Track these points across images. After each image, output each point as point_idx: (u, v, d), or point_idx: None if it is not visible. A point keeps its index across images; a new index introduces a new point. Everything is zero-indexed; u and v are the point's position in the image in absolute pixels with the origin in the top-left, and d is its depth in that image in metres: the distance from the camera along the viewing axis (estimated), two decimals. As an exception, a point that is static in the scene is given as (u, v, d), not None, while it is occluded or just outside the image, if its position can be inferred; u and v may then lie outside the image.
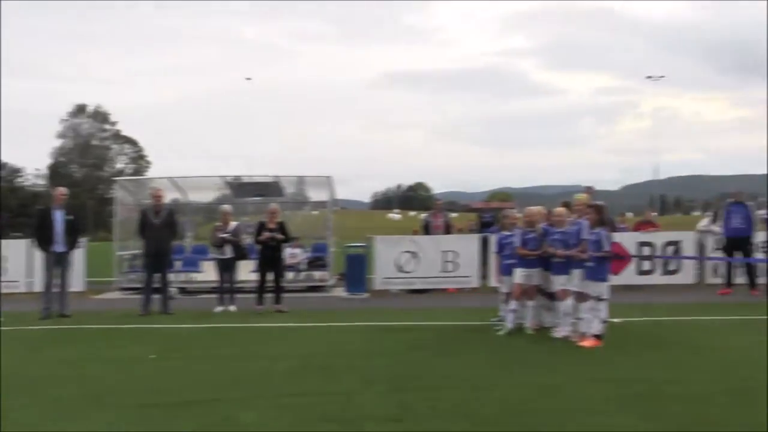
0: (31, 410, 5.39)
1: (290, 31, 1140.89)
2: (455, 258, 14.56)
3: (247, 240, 12.80)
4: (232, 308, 11.84)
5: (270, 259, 11.83)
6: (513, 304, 8.94)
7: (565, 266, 8.50)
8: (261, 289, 11.75)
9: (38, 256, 11.71)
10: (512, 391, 5.84)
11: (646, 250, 14.43)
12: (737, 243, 13.26)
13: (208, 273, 14.37)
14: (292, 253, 14.97)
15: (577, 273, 8.31)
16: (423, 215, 25.12)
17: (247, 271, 13.30)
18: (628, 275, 14.16)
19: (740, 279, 13.48)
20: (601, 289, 8.12)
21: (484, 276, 14.49)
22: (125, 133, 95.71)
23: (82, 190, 72.88)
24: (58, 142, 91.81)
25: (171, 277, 12.46)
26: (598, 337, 7.94)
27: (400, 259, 14.59)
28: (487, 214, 18.40)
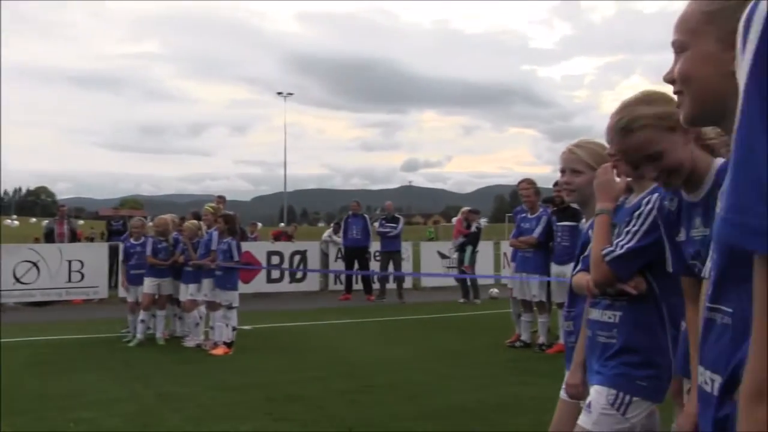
0: None
1: None
2: (81, 267, 13.49)
3: None
4: None
5: None
6: (142, 315, 8.59)
7: (195, 275, 8.44)
8: None
9: None
10: (134, 404, 5.62)
11: (276, 259, 15.06)
12: (355, 253, 14.54)
13: None
14: None
15: (207, 282, 8.31)
16: (45, 222, 22.86)
17: None
18: (259, 283, 14.58)
19: (358, 286, 14.79)
20: (231, 297, 8.21)
21: (114, 286, 13.69)
22: None
23: None
24: None
25: None
26: (228, 344, 8.01)
27: (18, 270, 13.03)
28: (116, 221, 17.49)
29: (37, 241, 16.33)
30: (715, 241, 1.25)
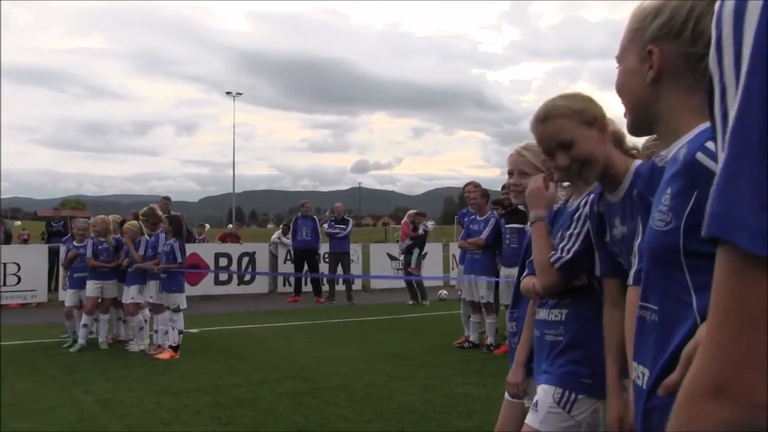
0: None
1: None
2: (18, 270, 13.07)
3: None
4: None
5: None
6: (85, 319, 8.35)
7: (138, 277, 8.27)
8: None
9: None
10: (75, 411, 5.47)
11: (224, 261, 14.88)
12: (305, 254, 14.45)
13: None
14: None
15: (152, 284, 8.15)
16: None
17: None
18: (206, 285, 14.38)
19: (307, 288, 14.71)
20: (178, 300, 8.07)
21: (54, 289, 13.31)
22: None
23: None
24: None
25: None
26: (174, 348, 7.86)
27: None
28: (57, 222, 16.99)
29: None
30: (647, 241, 1.29)
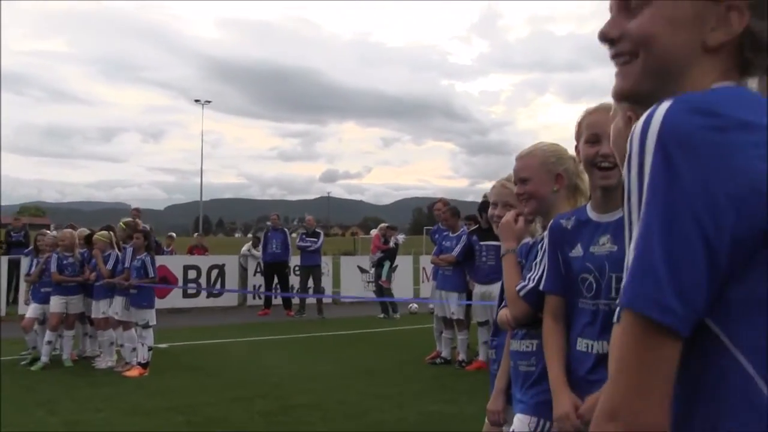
0: None
1: None
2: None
3: None
4: None
5: None
6: (48, 335, 8.13)
7: (107, 291, 8.11)
8: None
9: None
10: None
11: (193, 273, 14.69)
12: (275, 267, 14.35)
13: None
14: None
15: (120, 300, 7.99)
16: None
17: None
18: (174, 299, 14.17)
19: (277, 301, 14.60)
20: (148, 316, 7.94)
21: (13, 302, 12.97)
22: None
23: None
24: None
25: None
26: (144, 365, 7.72)
27: None
28: (17, 232, 16.35)
29: None
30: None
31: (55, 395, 6.64)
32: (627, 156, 0.86)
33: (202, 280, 14.82)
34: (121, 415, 5.88)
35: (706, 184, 0.80)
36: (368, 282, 17.20)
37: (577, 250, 2.19)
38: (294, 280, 15.03)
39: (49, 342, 8.10)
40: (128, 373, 7.58)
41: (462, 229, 8.71)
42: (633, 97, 1.04)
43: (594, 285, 2.12)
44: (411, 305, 15.11)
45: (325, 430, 5.45)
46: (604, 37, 1.05)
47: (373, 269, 14.73)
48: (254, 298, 15.21)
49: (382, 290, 14.16)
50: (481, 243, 8.26)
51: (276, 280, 14.39)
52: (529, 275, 2.43)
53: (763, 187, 0.80)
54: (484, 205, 8.43)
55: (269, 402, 6.40)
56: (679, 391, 0.87)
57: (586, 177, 2.38)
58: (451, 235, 8.72)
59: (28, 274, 8.87)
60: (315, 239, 14.40)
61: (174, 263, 14.53)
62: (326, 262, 16.22)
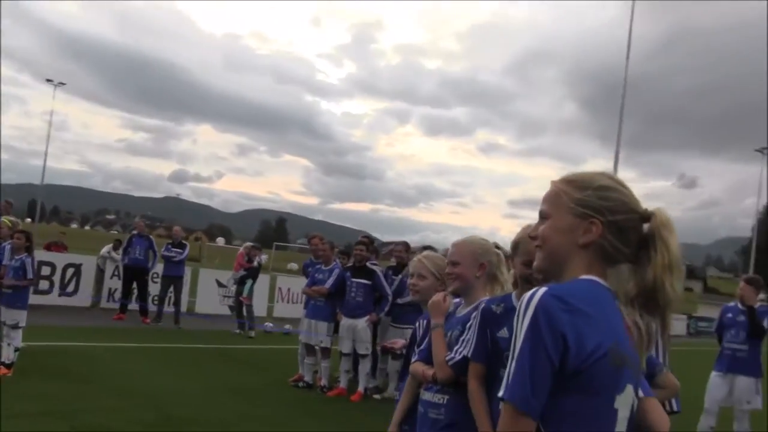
0: None
1: None
2: None
3: None
4: None
5: None
6: None
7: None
8: None
9: None
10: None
11: (47, 270, 14.32)
12: (136, 273, 14.32)
13: None
14: None
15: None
16: None
17: None
18: (24, 294, 13.72)
19: (134, 306, 14.53)
20: (19, 317, 7.95)
21: None
22: None
23: None
24: None
25: None
26: (8, 365, 7.72)
27: None
28: None
29: None
30: None
31: None
32: (516, 312, 1.57)
33: (56, 278, 14.49)
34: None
35: (550, 335, 1.50)
36: (225, 296, 17.47)
37: (504, 332, 2.85)
38: (153, 288, 15.01)
39: None
40: (-5, 374, 7.55)
41: (335, 263, 9.39)
42: (541, 272, 1.74)
43: None
44: (266, 324, 15.56)
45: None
46: (532, 234, 1.82)
47: (235, 286, 15.08)
48: (108, 300, 15.05)
49: (242, 307, 14.54)
50: (353, 279, 9.00)
51: (135, 285, 14.40)
52: (456, 348, 3.12)
53: (568, 346, 1.50)
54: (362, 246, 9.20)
55: (148, 413, 6.70)
56: None
57: (505, 270, 3.15)
58: (324, 268, 9.36)
59: None
60: (180, 250, 14.55)
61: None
62: (185, 272, 16.26)
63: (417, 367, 3.35)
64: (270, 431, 6.70)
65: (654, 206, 1.68)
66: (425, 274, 3.64)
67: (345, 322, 9.01)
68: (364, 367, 8.99)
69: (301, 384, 9.23)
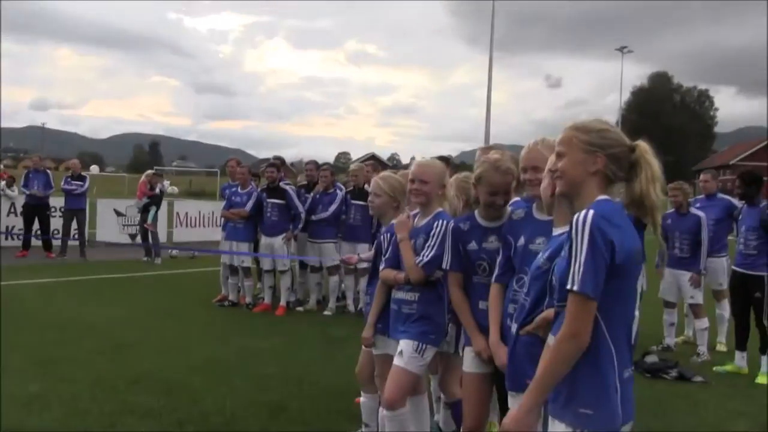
0: None
1: None
2: None
3: None
4: None
5: None
6: None
7: None
8: None
9: None
10: None
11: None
12: (36, 209, 14.19)
13: None
14: None
15: None
16: None
17: None
18: None
19: (36, 242, 14.35)
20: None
21: None
22: None
23: None
24: None
25: None
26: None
27: None
28: None
29: None
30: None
31: None
32: (574, 227, 2.17)
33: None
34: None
35: (603, 243, 2.15)
36: (124, 225, 17.44)
37: (473, 245, 3.54)
38: (55, 223, 14.81)
39: None
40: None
41: (251, 186, 9.78)
42: (564, 195, 2.40)
43: (487, 268, 3.49)
44: (171, 250, 15.77)
45: (168, 362, 6.35)
46: (550, 169, 2.50)
47: (139, 214, 15.15)
48: (7, 238, 14.72)
49: (147, 234, 14.67)
50: (268, 200, 9.46)
51: (36, 221, 14.22)
52: (423, 252, 3.77)
53: (615, 249, 2.16)
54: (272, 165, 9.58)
55: (100, 341, 7.04)
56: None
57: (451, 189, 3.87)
58: (241, 191, 9.74)
59: None
60: (81, 183, 14.42)
61: None
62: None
63: (387, 273, 3.99)
64: (214, 345, 7.23)
65: (638, 141, 2.38)
66: (380, 193, 4.24)
67: (264, 240, 9.51)
68: (285, 282, 9.57)
69: (226, 303, 9.74)
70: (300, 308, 9.68)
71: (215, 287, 10.12)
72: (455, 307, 3.63)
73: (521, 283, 3.07)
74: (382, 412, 3.88)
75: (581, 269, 2.12)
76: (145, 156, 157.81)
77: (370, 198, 4.39)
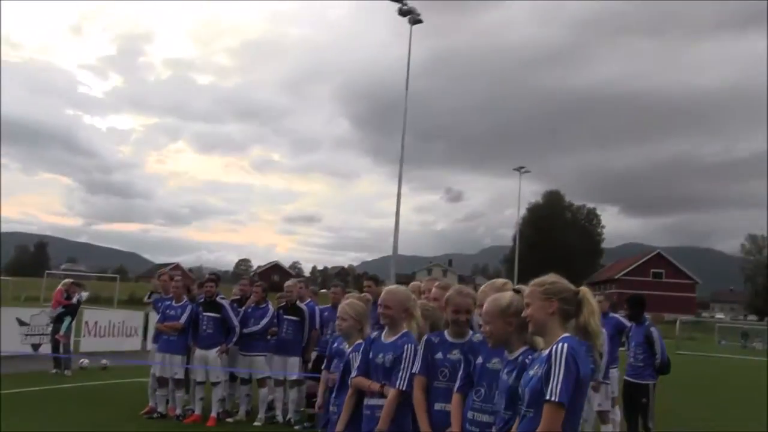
0: None
1: None
2: None
3: None
4: None
5: None
6: None
7: None
8: None
9: None
10: None
11: None
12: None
13: None
14: None
15: None
16: None
17: None
18: None
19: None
20: None
21: None
22: None
23: None
24: None
25: None
26: None
27: None
28: None
29: None
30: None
31: None
32: (554, 352, 2.93)
33: None
34: None
35: (574, 366, 2.88)
36: (25, 335, 16.89)
37: (439, 355, 4.22)
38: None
39: None
40: None
41: (185, 300, 10.06)
42: (534, 333, 3.26)
43: (447, 374, 4.16)
44: (82, 360, 15.40)
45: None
46: (524, 315, 3.26)
47: (52, 324, 14.84)
48: None
49: (59, 345, 14.36)
50: (204, 314, 9.77)
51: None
52: (400, 375, 4.31)
53: (580, 371, 2.93)
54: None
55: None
56: None
57: (417, 311, 4.55)
58: (174, 304, 10.00)
59: None
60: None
61: None
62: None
63: (361, 381, 4.54)
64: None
65: (580, 287, 3.22)
66: (346, 317, 4.90)
67: (198, 353, 9.73)
68: (217, 393, 9.77)
69: (155, 415, 9.78)
70: (230, 419, 9.84)
71: (137, 398, 10.14)
72: (415, 406, 4.24)
73: (479, 394, 3.83)
74: None
75: (559, 385, 2.84)
76: (29, 257, 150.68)
77: (338, 322, 5.02)
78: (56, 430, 8.61)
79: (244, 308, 10.10)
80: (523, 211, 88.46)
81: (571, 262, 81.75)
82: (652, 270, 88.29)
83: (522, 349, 3.54)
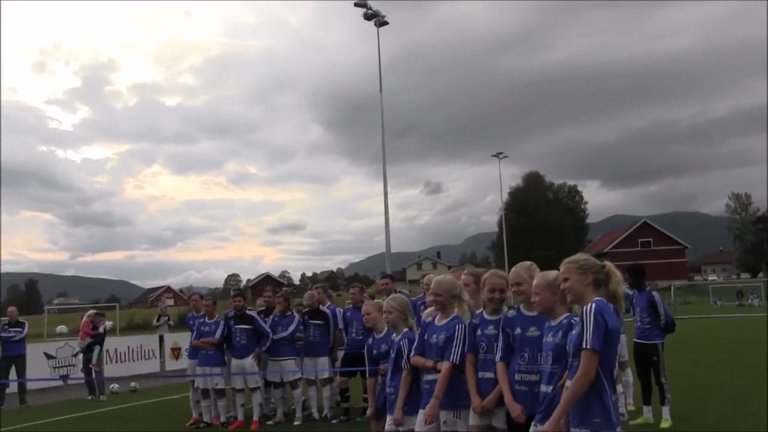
0: None
1: None
2: None
3: None
4: None
5: None
6: None
7: None
8: None
9: None
10: None
11: None
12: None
13: None
14: None
15: None
16: None
17: None
18: None
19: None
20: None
21: None
22: None
23: None
24: None
25: None
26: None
27: None
28: None
29: None
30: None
31: None
32: (584, 311, 3.77)
33: None
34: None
35: (602, 320, 3.68)
36: (54, 368, 17.59)
37: (479, 332, 4.99)
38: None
39: None
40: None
41: (216, 316, 10.79)
42: (573, 302, 4.09)
43: (486, 347, 4.92)
44: (112, 385, 16.09)
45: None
46: (563, 287, 4.08)
47: (81, 354, 15.52)
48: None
49: (92, 373, 15.05)
50: (236, 326, 10.51)
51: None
52: (453, 352, 5.02)
53: (608, 325, 3.76)
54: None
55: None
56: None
57: (466, 295, 5.27)
58: (208, 321, 10.74)
59: None
60: (20, 329, 14.76)
61: None
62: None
63: (418, 359, 5.30)
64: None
65: (605, 261, 4.02)
66: (392, 310, 5.69)
67: (234, 362, 10.47)
68: (257, 398, 10.52)
69: (201, 425, 10.52)
70: (270, 422, 10.58)
71: (174, 413, 10.77)
72: (468, 378, 4.98)
73: (524, 358, 4.58)
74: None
75: (591, 336, 3.64)
76: (22, 296, 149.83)
77: (384, 315, 5.82)
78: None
79: (271, 317, 10.84)
80: (505, 196, 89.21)
81: (558, 241, 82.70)
82: (639, 240, 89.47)
83: (564, 315, 4.31)
